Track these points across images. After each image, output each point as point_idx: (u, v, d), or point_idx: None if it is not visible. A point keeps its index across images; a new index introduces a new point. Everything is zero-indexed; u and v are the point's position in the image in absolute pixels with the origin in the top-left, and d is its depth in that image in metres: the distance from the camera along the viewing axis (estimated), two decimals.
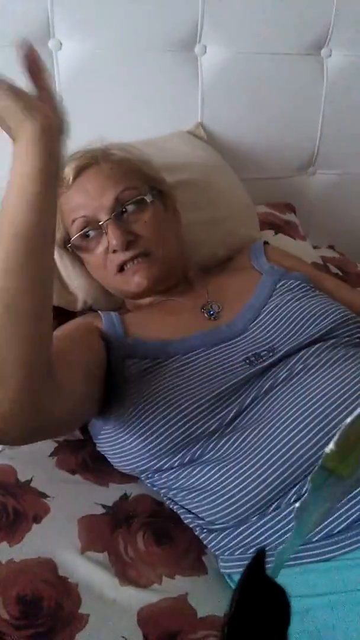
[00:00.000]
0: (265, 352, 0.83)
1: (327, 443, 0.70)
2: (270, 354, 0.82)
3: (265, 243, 1.11)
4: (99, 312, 0.94)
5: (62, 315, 1.00)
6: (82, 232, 0.91)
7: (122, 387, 0.82)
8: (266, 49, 1.26)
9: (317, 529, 0.67)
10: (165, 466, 0.78)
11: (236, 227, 1.14)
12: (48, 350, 0.64)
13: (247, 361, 0.82)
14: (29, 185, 0.61)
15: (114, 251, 0.89)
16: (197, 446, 0.76)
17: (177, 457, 0.77)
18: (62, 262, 1.00)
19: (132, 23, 1.16)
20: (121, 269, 0.90)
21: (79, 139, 1.08)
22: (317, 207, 1.46)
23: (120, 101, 1.21)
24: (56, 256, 1.00)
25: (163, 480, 0.80)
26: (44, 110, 0.63)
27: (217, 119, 1.27)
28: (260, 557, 0.36)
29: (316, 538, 0.67)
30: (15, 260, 0.60)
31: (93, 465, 0.90)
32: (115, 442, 0.82)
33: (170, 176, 1.08)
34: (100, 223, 0.89)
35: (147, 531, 0.80)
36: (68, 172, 0.91)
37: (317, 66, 1.31)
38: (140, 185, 0.92)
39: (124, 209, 0.89)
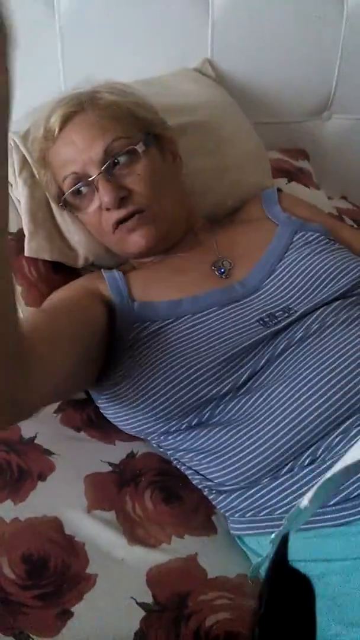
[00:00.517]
0: (281, 312, 0.79)
1: (344, 404, 0.68)
2: (286, 314, 0.78)
3: (279, 190, 1.05)
4: (102, 272, 0.89)
5: (65, 270, 0.96)
6: (72, 189, 0.84)
7: (128, 353, 0.78)
8: None
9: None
10: (173, 429, 0.75)
11: (247, 174, 1.07)
12: (12, 346, 0.54)
13: (261, 322, 0.78)
14: None
15: (107, 209, 0.83)
16: (208, 409, 0.73)
17: (186, 419, 0.74)
18: (61, 217, 0.95)
19: None
20: (117, 227, 0.84)
21: (80, 79, 1.02)
22: (331, 155, 1.39)
23: (124, 39, 1.12)
24: (55, 211, 0.95)
25: (169, 442, 0.77)
26: None
27: (227, 57, 1.19)
28: (283, 549, 0.34)
29: (332, 502, 0.65)
30: None
31: (98, 422, 0.88)
32: (119, 407, 0.79)
33: (175, 118, 1.01)
34: (90, 179, 0.82)
35: (155, 490, 0.78)
36: (53, 122, 0.84)
37: (337, 1, 1.22)
38: (133, 133, 0.84)
39: (115, 161, 0.82)
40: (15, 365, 0.56)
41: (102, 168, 0.81)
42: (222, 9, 1.15)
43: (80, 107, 0.84)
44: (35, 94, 1.05)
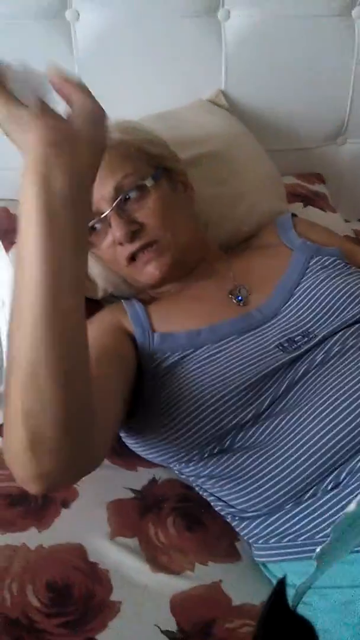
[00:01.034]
0: (300, 336, 0.79)
1: None
2: (305, 338, 0.79)
3: (294, 215, 1.06)
4: (123, 303, 0.90)
5: (85, 300, 0.97)
6: (91, 224, 0.85)
7: (149, 384, 0.79)
8: (293, 12, 1.19)
9: None
10: (195, 457, 0.76)
11: (262, 200, 1.09)
12: (88, 409, 0.57)
13: (281, 347, 0.78)
14: (29, 228, 0.52)
15: (120, 243, 0.84)
16: (229, 436, 0.74)
17: (207, 448, 0.75)
18: None
19: None
20: (132, 259, 0.86)
21: None
22: (347, 179, 1.40)
23: (141, 72, 1.16)
24: None
25: (191, 469, 0.77)
26: (51, 119, 0.53)
27: (240, 87, 1.21)
28: (280, 588, 0.34)
29: None
30: (35, 328, 0.51)
31: (120, 449, 0.88)
32: (140, 437, 0.80)
33: (189, 149, 1.04)
34: (102, 215, 0.84)
35: (177, 516, 0.78)
36: None
37: (348, 28, 1.24)
38: (142, 168, 0.86)
39: (126, 197, 0.84)
40: (87, 420, 0.58)
41: (114, 204, 0.83)
42: (234, 40, 1.18)
43: None
44: None
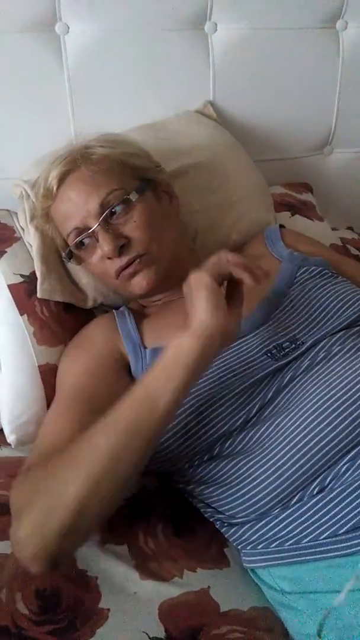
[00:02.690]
0: (288, 343, 0.80)
1: (351, 432, 0.69)
2: (293, 345, 0.80)
3: (281, 227, 1.08)
4: (115, 316, 0.91)
5: (75, 309, 0.98)
6: (75, 242, 0.87)
7: None
8: (278, 24, 1.21)
9: (343, 522, 0.65)
10: (185, 465, 0.76)
11: (250, 209, 1.10)
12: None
13: (269, 354, 0.79)
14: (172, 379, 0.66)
15: (109, 258, 0.85)
16: (219, 443, 0.75)
17: (197, 456, 0.75)
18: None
19: (139, 3, 1.12)
20: (121, 272, 0.86)
21: (89, 124, 1.07)
22: (335, 188, 1.42)
23: (130, 84, 1.17)
24: (63, 257, 0.98)
25: (180, 476, 0.78)
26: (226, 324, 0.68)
27: (228, 98, 1.23)
28: None
29: (342, 531, 0.65)
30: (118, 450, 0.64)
31: None
32: None
33: (178, 160, 1.05)
34: (90, 230, 0.85)
35: (167, 523, 0.79)
36: (51, 182, 0.87)
37: (332, 40, 1.26)
38: (126, 182, 0.86)
39: (112, 211, 0.85)
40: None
41: (100, 219, 0.84)
42: (222, 52, 1.19)
43: (74, 164, 0.86)
44: (47, 141, 1.10)
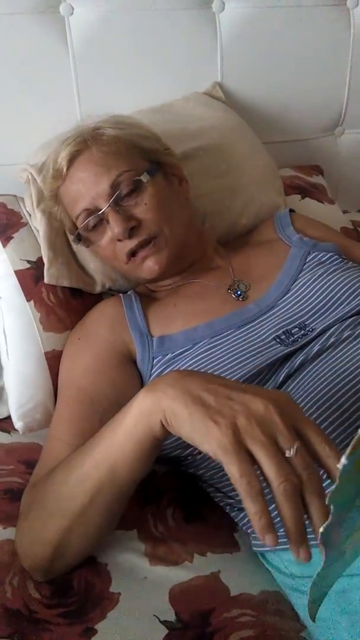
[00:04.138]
0: (297, 329, 0.79)
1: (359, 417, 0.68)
2: (302, 331, 0.79)
3: (291, 211, 1.06)
4: (122, 302, 0.90)
5: (82, 295, 0.98)
6: (85, 223, 0.86)
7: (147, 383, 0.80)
8: (287, 2, 1.18)
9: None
10: (194, 452, 0.76)
11: (259, 192, 1.09)
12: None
13: (278, 339, 0.79)
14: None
15: (119, 240, 0.84)
16: None
17: None
18: (77, 246, 0.97)
19: None
20: (132, 255, 0.85)
21: (94, 106, 1.06)
22: (346, 170, 1.40)
23: (136, 65, 1.16)
24: (71, 240, 0.98)
25: (189, 461, 0.78)
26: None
27: (237, 79, 1.21)
28: None
29: None
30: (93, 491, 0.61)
31: None
32: None
33: (186, 142, 1.04)
34: (100, 212, 0.84)
35: (176, 508, 0.79)
36: (61, 162, 0.86)
37: (343, 18, 1.24)
38: (137, 164, 0.85)
39: (123, 193, 0.84)
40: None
41: (110, 201, 0.83)
42: (230, 31, 1.17)
43: (85, 145, 0.85)
44: (52, 125, 1.09)
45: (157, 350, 0.82)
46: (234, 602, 0.67)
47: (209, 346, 0.79)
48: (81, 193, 0.85)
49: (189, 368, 0.77)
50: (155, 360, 0.81)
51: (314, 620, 0.43)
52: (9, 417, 0.95)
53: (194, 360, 0.78)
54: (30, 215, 1.00)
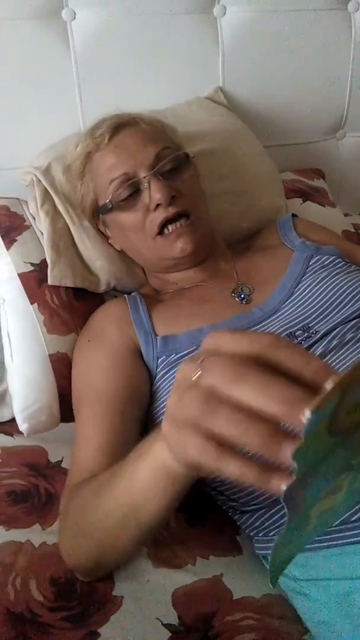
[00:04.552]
0: (300, 330, 0.80)
1: None
2: (306, 333, 0.79)
3: (294, 216, 1.06)
4: (127, 302, 0.90)
5: (86, 297, 0.98)
6: (119, 189, 0.87)
7: (153, 385, 0.81)
8: (289, 6, 1.19)
9: (356, 509, 0.65)
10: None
11: (260, 196, 1.09)
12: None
13: None
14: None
15: (156, 207, 0.85)
16: None
17: None
18: (83, 244, 0.98)
19: None
20: (162, 230, 0.86)
21: (96, 110, 1.06)
22: (348, 173, 1.40)
23: (138, 70, 1.16)
24: (76, 238, 0.98)
25: None
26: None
27: (238, 84, 1.22)
28: None
29: (354, 518, 0.65)
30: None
31: None
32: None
33: (188, 146, 1.04)
34: (141, 177, 0.86)
35: (179, 511, 0.79)
36: (104, 130, 0.88)
37: (344, 21, 1.24)
38: (177, 146, 0.91)
39: (166, 166, 0.86)
40: None
41: (155, 169, 0.85)
42: (231, 36, 1.18)
43: (131, 119, 0.90)
44: (54, 129, 1.10)
45: (161, 349, 0.82)
46: (236, 605, 0.67)
47: None
48: (122, 159, 0.87)
49: None
50: (159, 360, 0.82)
51: (273, 586, 0.40)
52: (12, 420, 0.95)
53: None
54: (34, 218, 1.01)
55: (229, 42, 1.18)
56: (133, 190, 0.86)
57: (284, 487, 0.33)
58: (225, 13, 1.17)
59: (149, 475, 0.50)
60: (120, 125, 0.89)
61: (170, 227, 0.86)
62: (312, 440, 0.32)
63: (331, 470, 0.36)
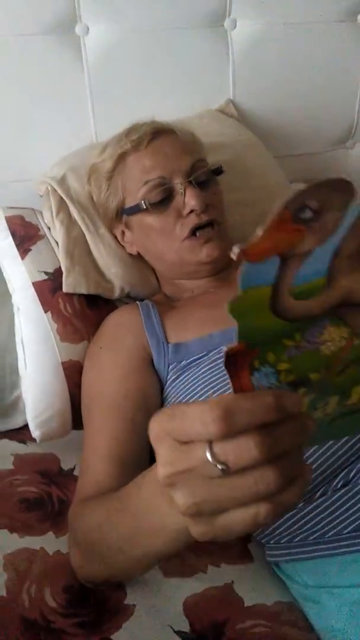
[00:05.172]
0: None
1: None
2: None
3: None
4: (139, 309, 0.91)
5: (99, 305, 0.99)
6: (156, 191, 0.89)
7: (164, 391, 0.82)
8: (298, 19, 1.20)
9: None
10: None
11: (270, 207, 1.10)
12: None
13: None
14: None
15: (190, 213, 0.88)
16: None
17: None
18: (98, 252, 0.99)
19: (158, 1, 1.13)
20: (193, 233, 0.89)
21: (110, 124, 1.08)
22: (358, 182, 1.40)
23: (150, 83, 1.18)
24: (92, 246, 0.99)
25: None
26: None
27: (249, 95, 1.23)
28: None
29: None
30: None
31: None
32: None
33: None
34: (176, 182, 0.88)
35: None
36: (141, 135, 0.91)
37: (354, 33, 1.25)
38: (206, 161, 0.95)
39: (200, 178, 0.90)
40: None
41: (191, 177, 0.89)
42: (242, 49, 1.19)
43: (169, 128, 0.94)
44: (67, 142, 1.11)
45: (172, 356, 0.83)
46: (248, 612, 0.67)
47: (221, 354, 0.80)
48: (160, 163, 0.90)
49: (204, 374, 0.78)
50: (170, 367, 0.83)
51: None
52: (25, 427, 0.96)
53: (208, 367, 0.79)
54: (48, 228, 1.02)
55: (239, 55, 1.20)
56: (166, 195, 0.89)
57: (223, 347, 0.34)
58: (235, 26, 1.18)
59: (157, 527, 0.47)
60: (160, 132, 0.92)
61: (198, 232, 0.89)
62: (252, 304, 0.32)
63: (281, 360, 0.35)
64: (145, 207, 0.89)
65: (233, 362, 0.34)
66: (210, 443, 0.33)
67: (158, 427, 0.37)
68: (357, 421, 0.41)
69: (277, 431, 0.34)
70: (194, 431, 0.34)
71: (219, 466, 0.33)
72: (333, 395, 0.38)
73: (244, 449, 0.33)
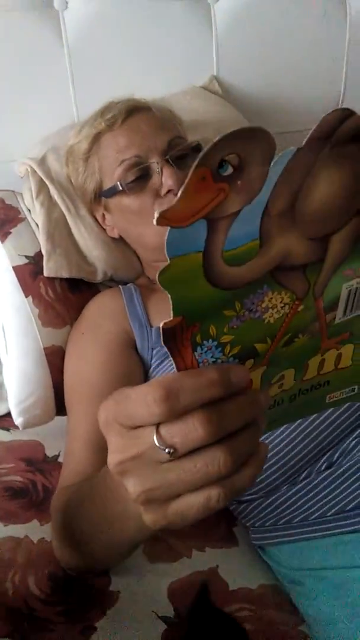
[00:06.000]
0: None
1: (358, 408, 0.68)
2: None
3: None
4: (122, 293, 0.89)
5: (81, 289, 0.97)
6: (131, 171, 0.85)
7: (147, 376, 0.81)
8: None
9: (351, 498, 0.65)
10: None
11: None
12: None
13: None
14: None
15: (168, 193, 0.84)
16: None
17: None
18: (79, 234, 0.97)
19: None
20: None
21: (90, 100, 1.05)
22: None
23: (131, 58, 1.14)
24: (73, 229, 0.97)
25: None
26: None
27: (233, 72, 1.20)
28: (204, 591, 0.32)
29: (350, 507, 0.65)
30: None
31: None
32: None
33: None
34: (153, 161, 0.85)
35: None
36: (116, 114, 0.88)
37: (339, 6, 1.22)
38: (184, 138, 0.91)
39: (177, 154, 0.86)
40: None
41: (167, 155, 0.85)
42: (225, 22, 1.16)
43: (145, 105, 0.90)
44: (48, 121, 1.09)
45: (156, 340, 0.82)
46: (232, 596, 0.67)
47: None
48: (135, 142, 0.86)
49: None
50: (154, 351, 0.81)
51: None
52: (8, 414, 0.95)
53: None
54: (29, 210, 1.00)
55: (222, 29, 1.16)
56: (143, 174, 0.86)
57: (160, 323, 0.32)
58: None
59: (122, 515, 0.46)
60: (135, 109, 0.88)
61: None
62: (183, 273, 0.30)
63: (223, 332, 0.33)
64: (121, 188, 0.86)
65: (172, 338, 0.32)
66: (157, 426, 0.32)
67: (105, 414, 0.35)
68: (321, 398, 0.40)
69: (224, 408, 0.32)
70: (139, 415, 0.32)
71: (167, 450, 0.32)
72: (288, 368, 0.36)
73: (190, 429, 0.31)
